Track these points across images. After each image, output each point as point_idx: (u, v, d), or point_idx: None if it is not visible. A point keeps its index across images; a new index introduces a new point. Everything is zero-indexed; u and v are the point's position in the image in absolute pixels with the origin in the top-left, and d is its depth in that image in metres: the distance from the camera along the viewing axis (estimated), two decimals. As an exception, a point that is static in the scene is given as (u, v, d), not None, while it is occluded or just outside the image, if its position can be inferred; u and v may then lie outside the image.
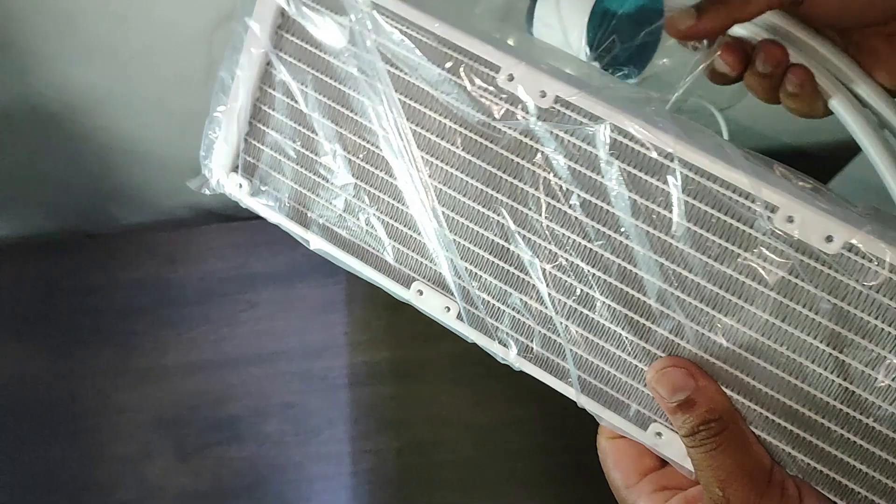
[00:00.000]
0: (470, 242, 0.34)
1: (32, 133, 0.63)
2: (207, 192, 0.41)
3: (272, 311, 0.68)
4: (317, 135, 0.37)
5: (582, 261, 0.32)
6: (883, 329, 0.28)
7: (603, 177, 0.31)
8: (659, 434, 0.31)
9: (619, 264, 0.31)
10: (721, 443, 0.29)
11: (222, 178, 0.39)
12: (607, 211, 0.31)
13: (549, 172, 0.32)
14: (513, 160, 0.33)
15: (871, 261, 0.28)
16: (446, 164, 0.34)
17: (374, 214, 0.36)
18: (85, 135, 0.64)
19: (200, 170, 0.40)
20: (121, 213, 0.76)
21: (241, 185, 0.39)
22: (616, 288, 0.31)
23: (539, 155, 0.32)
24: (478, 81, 0.33)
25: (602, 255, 0.32)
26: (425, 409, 0.64)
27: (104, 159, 0.67)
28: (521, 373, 0.34)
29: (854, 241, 0.28)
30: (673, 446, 0.31)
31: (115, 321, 0.68)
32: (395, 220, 0.36)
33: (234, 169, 0.39)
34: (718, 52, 0.34)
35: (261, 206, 0.39)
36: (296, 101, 0.37)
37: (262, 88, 0.37)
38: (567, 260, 0.32)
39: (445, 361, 0.64)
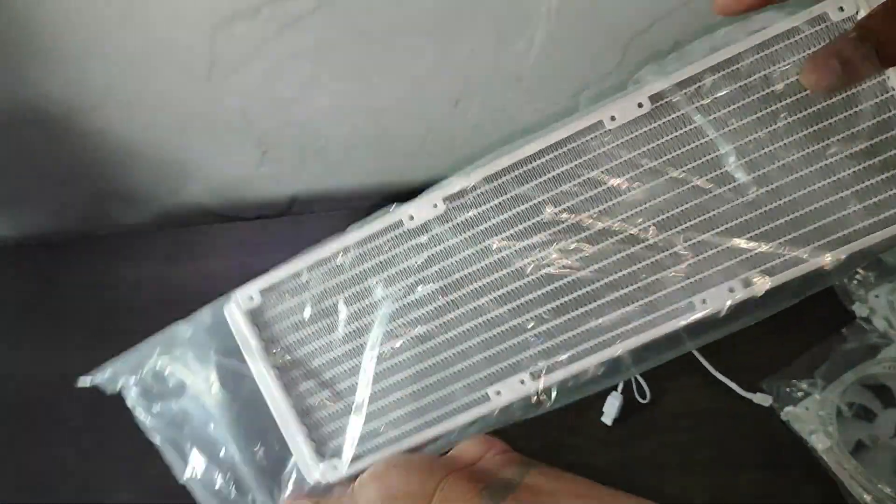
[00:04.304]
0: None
1: (33, 133, 0.63)
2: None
3: (272, 311, 0.67)
4: (338, 383, 0.41)
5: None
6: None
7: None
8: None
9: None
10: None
11: (317, 475, 0.41)
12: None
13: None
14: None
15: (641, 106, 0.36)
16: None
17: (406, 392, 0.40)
18: (85, 135, 0.64)
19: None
20: (121, 213, 0.76)
21: (335, 467, 0.40)
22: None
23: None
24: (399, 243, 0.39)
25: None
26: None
27: (104, 159, 0.67)
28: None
29: (614, 114, 0.36)
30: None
31: (115, 321, 0.67)
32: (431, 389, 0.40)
33: (321, 458, 0.41)
34: None
35: (360, 465, 0.40)
36: (308, 378, 0.41)
37: (289, 393, 0.41)
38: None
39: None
